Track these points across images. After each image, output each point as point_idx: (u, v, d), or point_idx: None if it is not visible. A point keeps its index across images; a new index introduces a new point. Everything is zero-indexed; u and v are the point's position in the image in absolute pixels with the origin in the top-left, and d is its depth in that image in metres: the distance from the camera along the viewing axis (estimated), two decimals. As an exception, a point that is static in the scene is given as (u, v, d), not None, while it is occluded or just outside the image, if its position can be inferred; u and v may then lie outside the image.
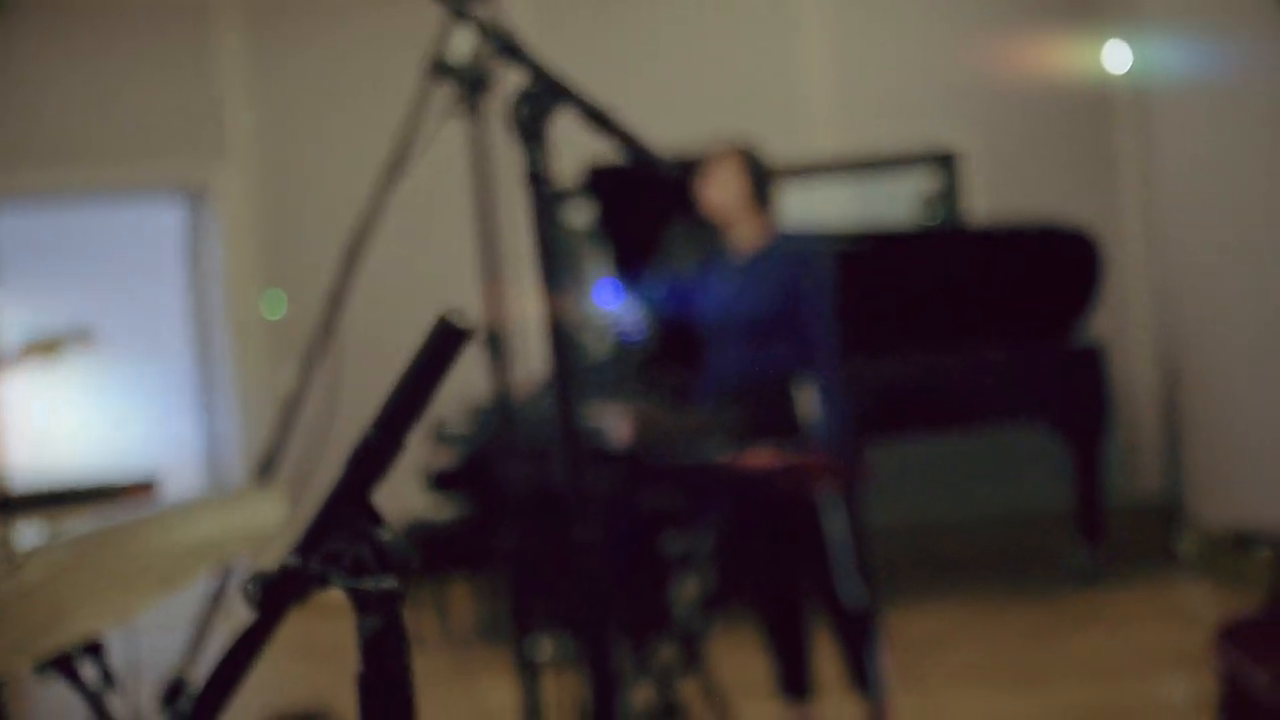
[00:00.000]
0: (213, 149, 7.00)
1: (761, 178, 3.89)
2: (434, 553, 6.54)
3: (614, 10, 7.72)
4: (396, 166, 1.89)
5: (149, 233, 8.58)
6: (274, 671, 6.08)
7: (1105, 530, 6.66)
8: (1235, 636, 2.86)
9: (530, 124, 1.37)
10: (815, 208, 8.82)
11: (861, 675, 3.76)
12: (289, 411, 1.82)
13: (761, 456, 3.23)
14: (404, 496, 6.36)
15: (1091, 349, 6.57)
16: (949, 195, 7.89)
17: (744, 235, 3.91)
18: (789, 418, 3.48)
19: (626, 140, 1.55)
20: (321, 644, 6.59)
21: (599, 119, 1.50)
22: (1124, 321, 7.47)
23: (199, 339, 7.90)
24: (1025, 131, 7.69)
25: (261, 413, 6.99)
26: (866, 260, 6.60)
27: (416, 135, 1.90)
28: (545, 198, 1.40)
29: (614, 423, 3.08)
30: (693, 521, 3.55)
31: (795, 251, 3.28)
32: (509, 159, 1.76)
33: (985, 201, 7.69)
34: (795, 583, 3.97)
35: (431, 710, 5.12)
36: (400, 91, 7.20)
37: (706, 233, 3.78)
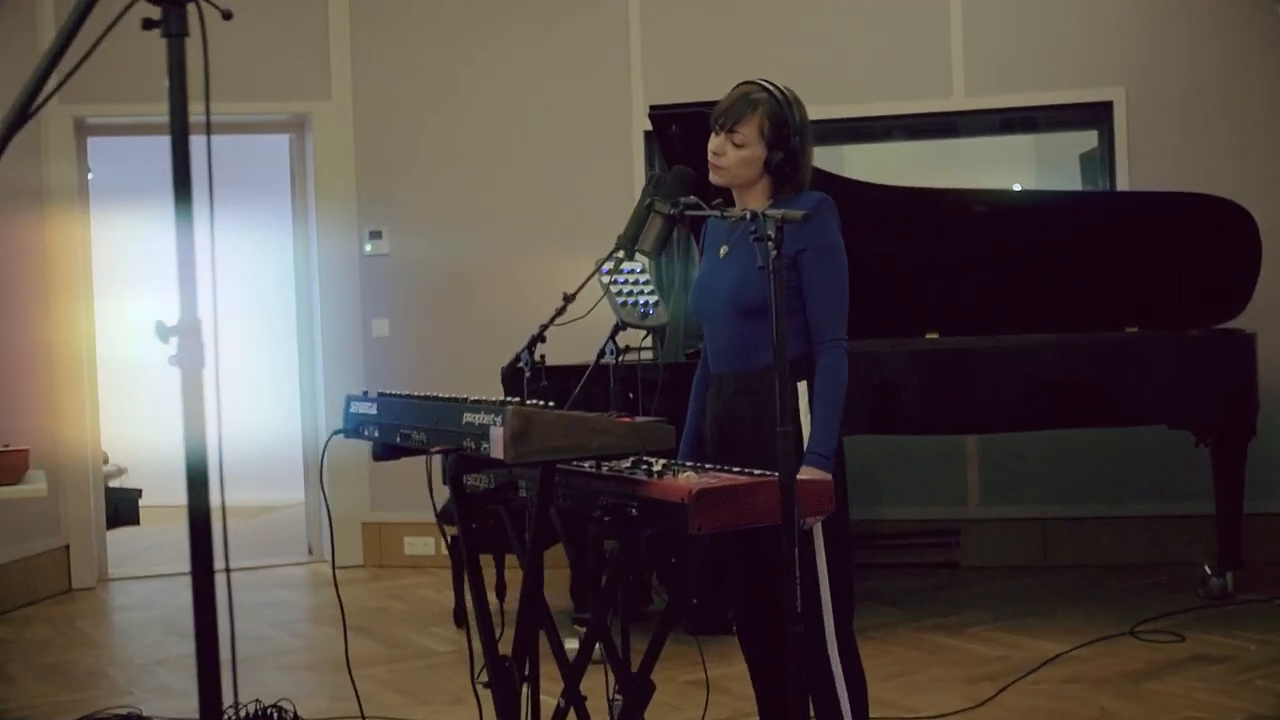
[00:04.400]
0: (317, 88, 7.56)
1: (785, 148, 3.13)
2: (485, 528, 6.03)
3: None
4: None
5: (262, 158, 9.00)
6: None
7: (1241, 547, 5.74)
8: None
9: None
10: (958, 168, 8.01)
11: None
12: None
13: (681, 480, 2.52)
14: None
15: (1240, 335, 5.64)
16: (1103, 155, 6.98)
17: (749, 200, 3.21)
18: (786, 413, 2.69)
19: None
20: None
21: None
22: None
23: (298, 260, 8.03)
24: (1186, 84, 6.73)
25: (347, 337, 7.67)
26: (984, 224, 5.83)
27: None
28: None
29: (495, 427, 2.43)
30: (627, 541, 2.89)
31: (787, 217, 2.58)
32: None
33: (1138, 164, 6.77)
34: (766, 619, 3.25)
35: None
36: (479, 44, 7.01)
37: (684, 189, 3.05)
